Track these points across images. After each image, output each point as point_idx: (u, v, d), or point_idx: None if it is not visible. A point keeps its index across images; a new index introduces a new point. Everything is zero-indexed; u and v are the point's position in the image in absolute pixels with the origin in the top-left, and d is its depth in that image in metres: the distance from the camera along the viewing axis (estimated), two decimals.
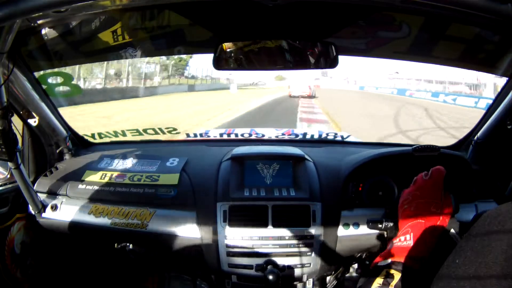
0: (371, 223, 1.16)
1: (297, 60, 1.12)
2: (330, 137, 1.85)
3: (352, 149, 1.55)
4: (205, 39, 1.24)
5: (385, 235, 1.18)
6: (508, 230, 0.40)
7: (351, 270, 1.40)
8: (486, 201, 1.25)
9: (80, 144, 1.57)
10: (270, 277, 1.09)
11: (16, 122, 1.21)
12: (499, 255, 0.38)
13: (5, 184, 1.28)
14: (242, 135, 1.85)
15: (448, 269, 0.43)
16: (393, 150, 1.32)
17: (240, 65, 1.12)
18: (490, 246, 0.40)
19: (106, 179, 1.32)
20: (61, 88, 1.47)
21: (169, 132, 2.04)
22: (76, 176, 1.35)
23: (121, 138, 1.83)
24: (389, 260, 0.74)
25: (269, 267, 1.13)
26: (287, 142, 1.79)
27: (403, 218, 0.82)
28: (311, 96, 16.99)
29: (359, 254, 1.29)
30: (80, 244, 1.48)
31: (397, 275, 0.70)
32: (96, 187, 1.30)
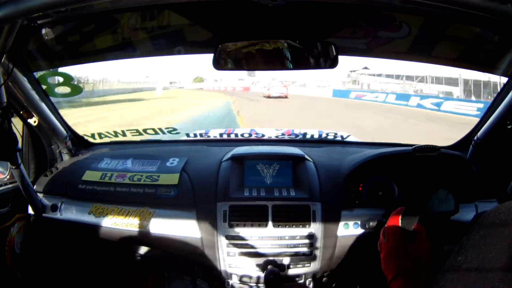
0: (371, 223, 1.17)
1: (297, 60, 1.12)
2: (330, 137, 1.85)
3: (352, 149, 1.55)
4: (205, 39, 1.24)
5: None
6: (511, 226, 0.40)
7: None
8: (486, 201, 1.25)
9: (80, 144, 1.57)
10: (271, 277, 1.09)
11: (16, 122, 1.21)
12: (501, 251, 0.39)
13: (5, 184, 1.28)
14: (242, 135, 1.85)
15: (451, 266, 0.43)
16: (393, 150, 1.32)
17: (240, 65, 1.12)
18: (492, 243, 0.40)
19: (106, 179, 1.32)
20: (61, 88, 1.47)
21: (169, 132, 2.04)
22: (76, 176, 1.34)
23: (121, 138, 1.83)
24: None
25: (269, 267, 1.13)
26: (287, 142, 1.79)
27: (389, 281, 0.85)
28: (286, 97, 18.03)
29: (358, 254, 1.29)
30: (80, 244, 1.48)
31: None
32: (96, 187, 1.30)
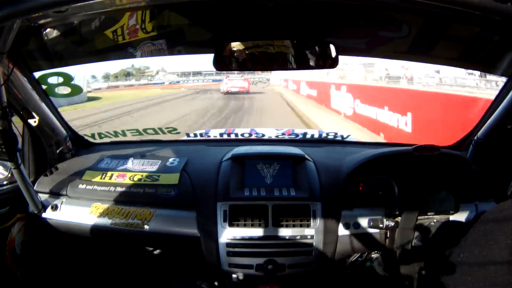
0: (372, 223, 1.17)
1: (298, 60, 1.12)
2: (330, 136, 1.85)
3: (352, 149, 1.55)
4: (205, 39, 1.24)
5: (386, 235, 1.19)
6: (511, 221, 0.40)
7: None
8: (486, 201, 1.25)
9: (80, 144, 1.57)
10: (271, 276, 1.09)
11: (16, 122, 1.21)
12: (504, 246, 0.39)
13: (5, 184, 1.28)
14: (242, 135, 1.85)
15: (454, 263, 0.44)
16: (393, 150, 1.32)
17: (240, 65, 1.12)
18: (495, 238, 0.40)
19: (106, 179, 1.32)
20: (61, 88, 1.47)
21: (169, 132, 2.04)
22: (76, 176, 1.34)
23: (121, 138, 1.83)
24: None
25: (269, 266, 1.13)
26: (287, 142, 1.79)
27: None
28: (248, 91, 14.25)
29: (359, 254, 1.29)
30: (80, 244, 1.48)
31: None
32: (96, 187, 1.30)
